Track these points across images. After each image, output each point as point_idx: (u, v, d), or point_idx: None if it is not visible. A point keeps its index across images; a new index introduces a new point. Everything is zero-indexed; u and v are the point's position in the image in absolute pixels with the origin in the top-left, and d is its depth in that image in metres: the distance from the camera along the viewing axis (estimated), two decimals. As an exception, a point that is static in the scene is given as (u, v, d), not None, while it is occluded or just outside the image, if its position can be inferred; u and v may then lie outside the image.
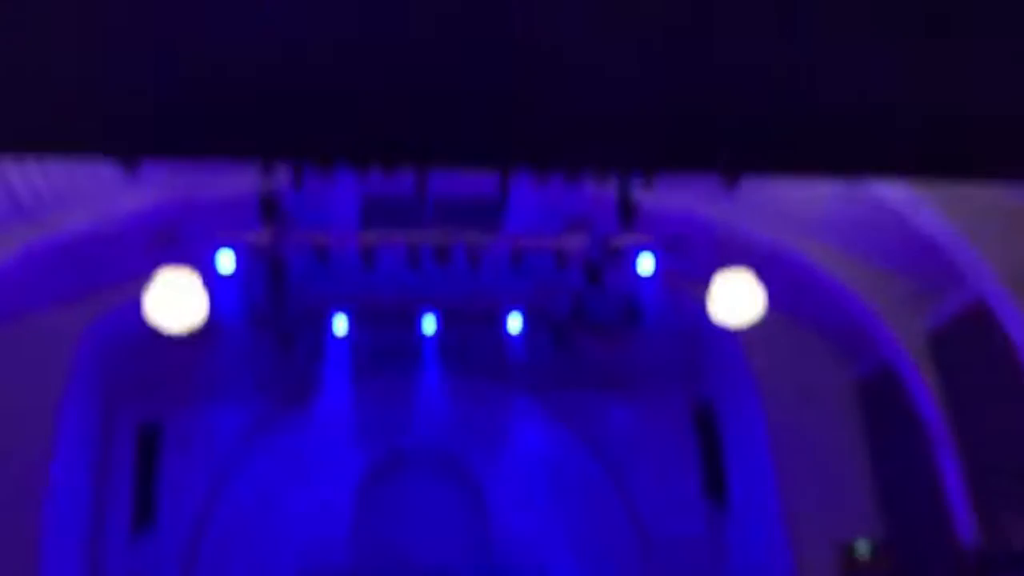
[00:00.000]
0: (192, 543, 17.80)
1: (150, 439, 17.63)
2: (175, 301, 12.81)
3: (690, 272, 15.93)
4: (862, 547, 16.21)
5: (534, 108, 3.32)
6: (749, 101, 3.37)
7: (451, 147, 3.43)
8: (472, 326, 17.22)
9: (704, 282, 14.16)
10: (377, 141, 3.41)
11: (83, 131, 3.31)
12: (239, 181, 13.91)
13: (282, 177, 12.97)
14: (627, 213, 13.50)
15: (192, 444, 17.60)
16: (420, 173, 13.13)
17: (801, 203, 14.53)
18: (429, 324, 16.94)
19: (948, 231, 13.18)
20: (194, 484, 17.88)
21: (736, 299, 13.36)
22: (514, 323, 17.14)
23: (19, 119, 3.23)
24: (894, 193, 13.34)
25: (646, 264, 15.07)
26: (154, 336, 14.36)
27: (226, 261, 14.16)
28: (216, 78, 3.22)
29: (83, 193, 13.84)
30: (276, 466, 18.58)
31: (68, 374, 15.46)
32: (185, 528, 17.76)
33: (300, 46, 3.27)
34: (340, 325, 16.62)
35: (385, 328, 17.00)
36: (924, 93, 3.46)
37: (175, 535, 17.61)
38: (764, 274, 13.82)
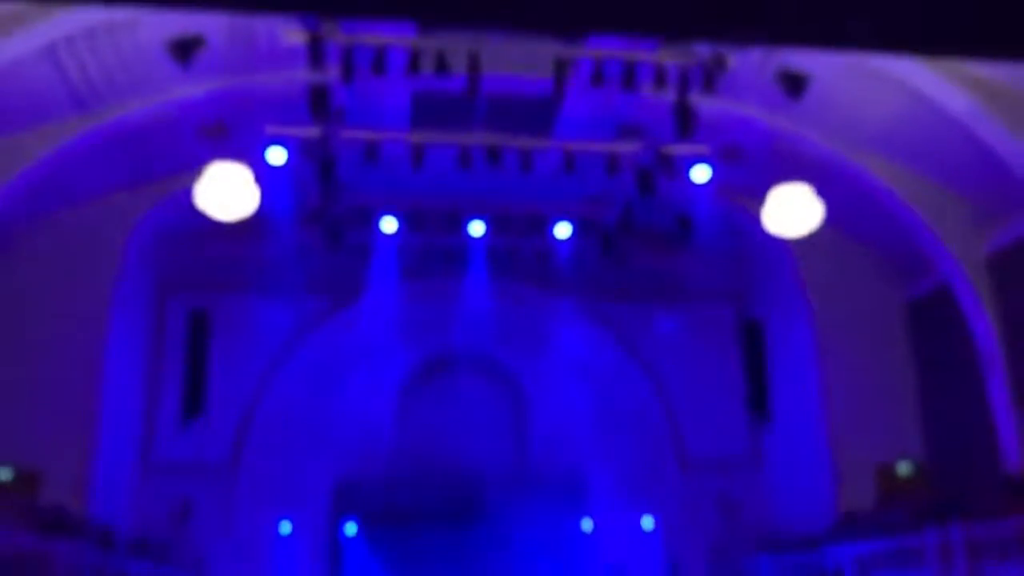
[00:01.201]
0: (240, 429, 18.27)
1: (200, 326, 17.94)
2: (226, 192, 12.84)
3: (745, 185, 15.57)
4: (903, 468, 16.13)
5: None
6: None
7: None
8: (520, 232, 17.10)
9: (759, 196, 13.81)
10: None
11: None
12: (291, 74, 13.80)
13: (333, 70, 12.82)
14: (684, 119, 13.15)
15: (241, 334, 17.89)
16: (473, 70, 12.89)
17: (866, 117, 14.04)
18: (477, 228, 16.85)
19: (1018, 150, 12.67)
20: (242, 372, 18.26)
21: (792, 212, 13.02)
22: (562, 230, 16.98)
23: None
24: (963, 106, 12.81)
25: (701, 174, 14.73)
26: (205, 227, 14.49)
27: (277, 155, 14.13)
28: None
29: (137, 83, 13.84)
30: (322, 359, 18.87)
31: (121, 261, 15.74)
32: (233, 414, 18.20)
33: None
34: (388, 225, 16.60)
35: (433, 231, 16.95)
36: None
37: (223, 420, 18.07)
38: (822, 189, 13.43)
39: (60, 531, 12.12)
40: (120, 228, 15.67)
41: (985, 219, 14.41)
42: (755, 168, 14.83)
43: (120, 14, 12.20)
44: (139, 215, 15.82)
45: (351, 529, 19.09)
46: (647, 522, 18.86)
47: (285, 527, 18.16)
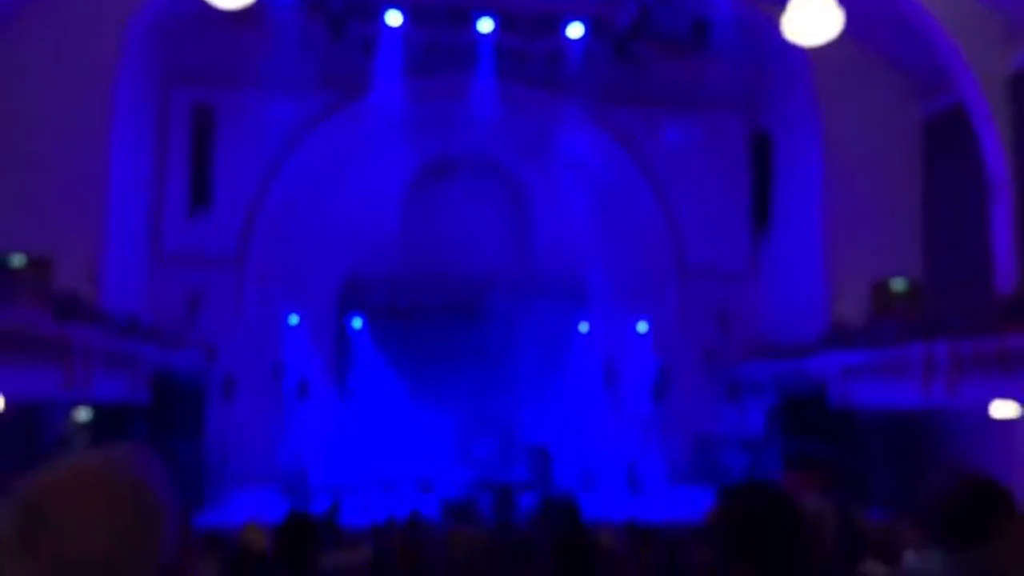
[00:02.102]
0: (246, 223, 18.44)
1: (205, 119, 17.72)
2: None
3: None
4: (898, 284, 16.38)
5: None
6: None
7: None
8: (530, 31, 16.53)
9: (779, 0, 13.23)
10: None
11: None
12: None
13: None
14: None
15: (246, 128, 17.63)
16: None
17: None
18: (485, 25, 16.27)
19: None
20: (248, 167, 18.18)
21: (812, 18, 12.50)
22: (574, 30, 16.42)
23: None
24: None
25: (720, -25, 14.09)
26: (205, 17, 14.02)
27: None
28: None
29: None
30: (327, 155, 18.76)
31: (122, 46, 15.32)
32: (240, 208, 18.32)
33: None
34: (393, 18, 16.04)
35: (440, 26, 16.38)
36: None
37: (230, 214, 18.21)
38: (846, -4, 12.83)
39: (75, 316, 12.48)
40: (120, 12, 15.14)
41: (1012, 36, 13.88)
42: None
43: None
44: (136, 4, 15.25)
45: (356, 323, 19.70)
46: (641, 326, 19.39)
47: (293, 319, 18.73)
